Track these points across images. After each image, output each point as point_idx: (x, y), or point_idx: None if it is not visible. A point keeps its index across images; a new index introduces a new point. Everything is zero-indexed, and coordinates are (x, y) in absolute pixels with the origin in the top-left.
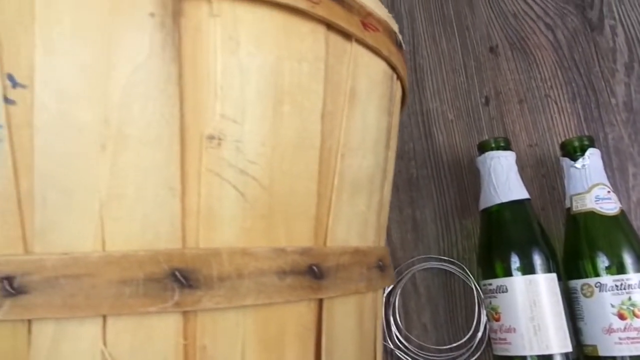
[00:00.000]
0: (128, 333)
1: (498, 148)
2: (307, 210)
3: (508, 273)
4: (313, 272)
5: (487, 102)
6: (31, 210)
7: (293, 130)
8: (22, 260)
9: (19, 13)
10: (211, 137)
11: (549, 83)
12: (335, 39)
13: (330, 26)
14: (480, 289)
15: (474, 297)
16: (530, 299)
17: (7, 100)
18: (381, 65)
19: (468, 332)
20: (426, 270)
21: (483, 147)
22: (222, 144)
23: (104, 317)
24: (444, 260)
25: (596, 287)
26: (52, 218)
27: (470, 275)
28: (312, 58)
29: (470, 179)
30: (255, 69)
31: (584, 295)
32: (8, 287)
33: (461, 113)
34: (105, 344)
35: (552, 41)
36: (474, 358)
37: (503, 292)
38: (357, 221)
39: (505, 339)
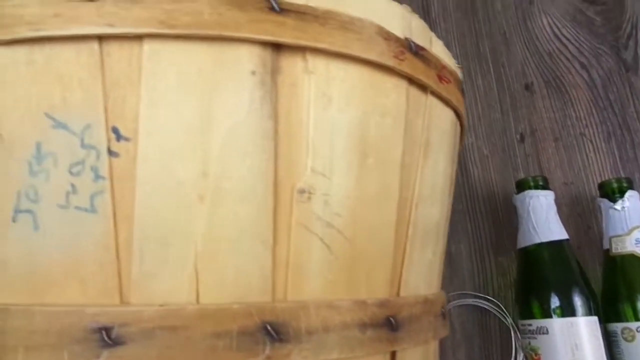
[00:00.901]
0: None
1: (537, 187)
2: (385, 261)
3: (548, 314)
4: (390, 324)
5: (522, 139)
6: (128, 261)
7: (375, 183)
8: (119, 311)
9: (128, 66)
10: (302, 191)
11: (584, 122)
12: (414, 93)
13: (411, 81)
14: (518, 328)
15: (510, 335)
16: (572, 342)
17: (110, 152)
18: (450, 114)
19: None
20: (461, 306)
21: (522, 185)
22: (311, 198)
23: None
24: (480, 297)
25: (638, 331)
26: (148, 269)
27: (507, 314)
28: (395, 112)
29: (505, 215)
30: (345, 124)
31: (625, 339)
32: (106, 338)
33: (496, 149)
34: None
35: (587, 80)
36: None
37: (543, 333)
38: (426, 269)
39: None
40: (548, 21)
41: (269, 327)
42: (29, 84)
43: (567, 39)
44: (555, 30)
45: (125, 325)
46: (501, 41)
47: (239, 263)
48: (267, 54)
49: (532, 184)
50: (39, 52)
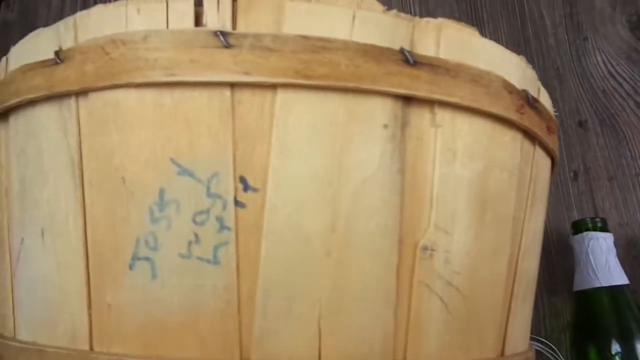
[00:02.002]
0: None
1: (596, 229)
2: (495, 319)
3: None
4: None
5: (575, 177)
6: (250, 315)
7: (491, 239)
8: None
9: (260, 114)
10: (425, 248)
11: (639, 162)
12: (526, 145)
13: (525, 133)
14: None
15: None
16: None
17: (237, 203)
18: (549, 163)
19: None
20: None
21: (580, 226)
22: (433, 255)
23: None
24: (532, 338)
25: None
26: (271, 326)
27: (560, 357)
28: (510, 166)
29: (558, 255)
30: (467, 179)
31: None
32: None
33: (549, 186)
34: None
35: None
36: None
37: None
38: (524, 325)
39: None
40: (602, 58)
41: None
42: (156, 128)
43: (622, 77)
44: (610, 67)
45: None
46: (554, 77)
47: (363, 322)
48: (398, 107)
49: (590, 225)
50: (169, 96)
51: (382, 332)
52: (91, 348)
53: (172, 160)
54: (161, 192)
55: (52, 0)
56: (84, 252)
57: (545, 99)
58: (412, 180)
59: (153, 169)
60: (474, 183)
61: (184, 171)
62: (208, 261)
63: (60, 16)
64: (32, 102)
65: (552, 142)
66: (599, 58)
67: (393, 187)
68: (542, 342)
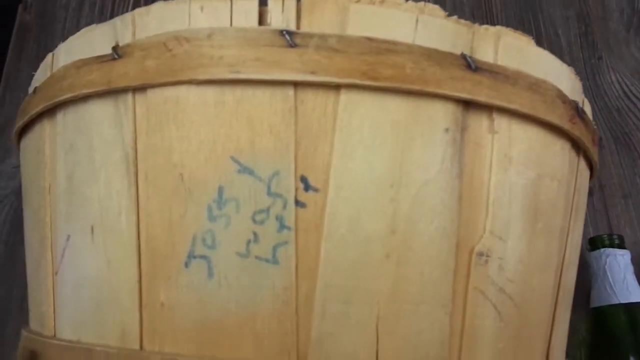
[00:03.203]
0: None
1: (613, 246)
2: (542, 329)
3: None
4: None
5: (590, 194)
6: (308, 318)
7: (542, 248)
8: None
9: (322, 115)
10: (480, 254)
11: None
12: (572, 156)
13: (573, 143)
14: None
15: None
16: None
17: (298, 202)
18: (589, 174)
19: None
20: None
21: (597, 243)
22: (488, 262)
23: None
24: None
25: None
26: (329, 328)
27: None
28: (560, 175)
29: None
30: (521, 187)
31: None
32: None
33: None
34: None
35: None
36: None
37: None
38: (564, 336)
39: None
40: (617, 78)
41: None
42: (217, 125)
43: (636, 97)
44: (625, 87)
45: None
46: None
47: (420, 327)
48: (458, 111)
49: (608, 242)
50: (230, 94)
51: (439, 338)
52: (141, 347)
53: (233, 158)
54: (220, 190)
55: (70, 2)
56: (136, 250)
57: (589, 112)
58: (470, 185)
59: (213, 166)
60: (528, 191)
61: (245, 169)
62: (267, 261)
63: (77, 19)
64: (84, 98)
65: (595, 153)
66: (613, 77)
67: (452, 192)
68: None
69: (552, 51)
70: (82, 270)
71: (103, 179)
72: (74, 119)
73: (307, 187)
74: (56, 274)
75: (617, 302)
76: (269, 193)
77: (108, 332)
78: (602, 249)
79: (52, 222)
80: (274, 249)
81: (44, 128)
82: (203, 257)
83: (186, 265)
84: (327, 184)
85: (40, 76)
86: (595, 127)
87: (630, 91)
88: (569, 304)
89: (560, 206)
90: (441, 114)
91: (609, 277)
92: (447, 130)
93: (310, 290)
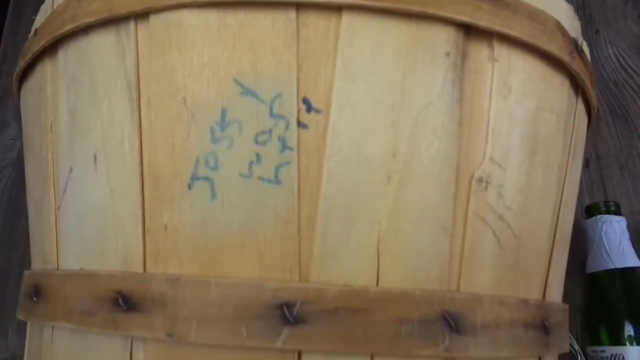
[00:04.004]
0: None
1: (609, 212)
2: (540, 262)
3: (622, 342)
4: (544, 328)
5: (587, 165)
6: (310, 237)
7: (540, 181)
8: (302, 288)
9: (324, 37)
10: (480, 180)
11: None
12: (571, 94)
13: (572, 80)
14: (586, 355)
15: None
16: None
17: (300, 124)
18: (587, 120)
19: None
20: None
21: (593, 210)
22: (488, 188)
23: (371, 357)
24: None
25: None
26: (330, 247)
27: (572, 339)
28: (558, 110)
29: (570, 240)
30: (520, 116)
31: None
32: (287, 315)
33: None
34: None
35: None
36: None
37: None
38: (561, 278)
39: None
40: (614, 51)
41: (448, 317)
42: (220, 48)
43: (633, 70)
44: (621, 60)
45: (308, 303)
46: None
47: (420, 248)
48: (459, 37)
49: (604, 209)
50: (233, 17)
51: (439, 260)
52: (145, 270)
53: (235, 81)
54: (223, 112)
55: None
56: (139, 175)
57: (587, 55)
58: (470, 111)
59: (215, 89)
60: (527, 121)
61: (247, 91)
62: (269, 181)
63: None
64: (85, 30)
65: (594, 96)
66: (610, 51)
67: (453, 116)
68: None
69: None
70: (85, 200)
71: (106, 108)
72: (76, 52)
73: (309, 109)
74: (59, 208)
75: (612, 267)
76: (272, 115)
77: (111, 258)
78: (599, 216)
79: (54, 158)
80: (276, 169)
81: (45, 67)
82: (206, 178)
83: (189, 187)
84: (329, 105)
85: (40, 18)
86: (592, 69)
87: (627, 64)
88: (566, 246)
89: (558, 141)
90: (442, 37)
91: (605, 243)
92: (447, 54)
93: (312, 210)
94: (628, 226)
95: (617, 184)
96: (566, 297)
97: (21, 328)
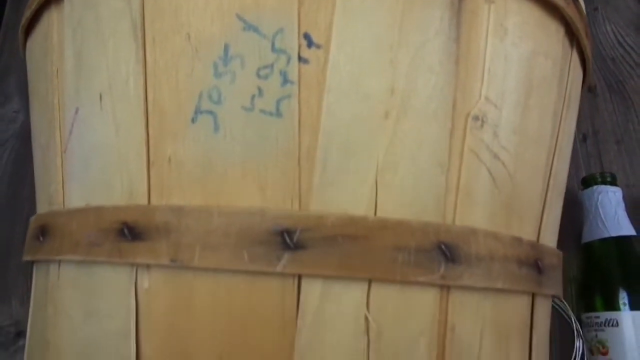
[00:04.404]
0: (390, 302)
1: (605, 183)
2: (534, 205)
3: (617, 307)
4: (537, 267)
5: (584, 139)
6: (310, 168)
7: (534, 124)
8: (302, 215)
9: None
10: (476, 118)
11: None
12: (566, 43)
13: (567, 29)
14: (581, 322)
15: (570, 328)
16: None
17: (301, 58)
18: (581, 75)
19: None
20: None
21: (589, 181)
22: (483, 126)
23: (369, 283)
24: None
25: None
26: (330, 178)
27: (568, 307)
28: (554, 56)
29: (566, 212)
30: (516, 59)
31: None
32: (288, 241)
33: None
34: (368, 309)
35: None
36: None
37: (613, 326)
38: (555, 226)
39: None
40: (612, 28)
41: (443, 247)
42: None
43: (631, 47)
44: (619, 37)
45: (307, 230)
46: None
47: (416, 181)
48: None
49: (600, 179)
50: None
51: (435, 193)
52: (149, 203)
53: (238, 16)
54: (226, 47)
55: None
56: (144, 112)
57: (583, 7)
58: (467, 50)
59: (219, 24)
60: (523, 64)
61: (250, 27)
62: (270, 114)
63: None
64: None
65: (589, 48)
66: (608, 28)
67: (450, 54)
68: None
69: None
70: (90, 140)
71: (111, 48)
72: None
73: (310, 44)
74: (65, 151)
75: (608, 235)
76: (273, 49)
77: (116, 194)
78: (595, 187)
79: (60, 102)
80: (278, 102)
81: (51, 14)
82: (209, 112)
83: (192, 121)
84: (329, 41)
85: None
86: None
87: (625, 41)
88: (560, 195)
89: (553, 87)
90: None
91: (601, 212)
92: None
93: (312, 142)
94: (624, 198)
95: (614, 158)
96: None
97: (25, 297)
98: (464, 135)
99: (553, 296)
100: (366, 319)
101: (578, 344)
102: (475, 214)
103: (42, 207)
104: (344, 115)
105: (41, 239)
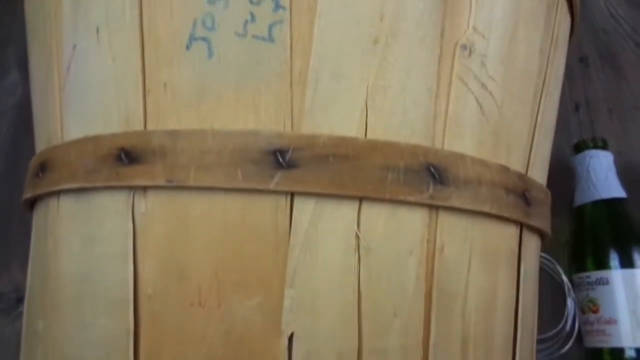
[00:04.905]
0: (380, 220)
1: (597, 147)
2: (521, 138)
3: (608, 266)
4: (525, 198)
5: (577, 109)
6: (302, 91)
7: (521, 57)
8: (294, 135)
9: None
10: (464, 47)
11: (637, 96)
12: None
13: None
14: (573, 283)
15: (562, 290)
16: (633, 292)
17: None
18: (569, 23)
19: (555, 326)
20: None
21: (581, 146)
22: (471, 55)
23: (360, 202)
24: None
25: None
26: (321, 101)
27: (560, 268)
28: None
29: (558, 177)
30: None
31: None
32: (280, 160)
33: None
34: (359, 228)
35: None
36: (562, 351)
37: (603, 284)
38: (544, 165)
39: (603, 331)
40: (604, 1)
41: (432, 169)
42: None
43: (623, 18)
44: (611, 9)
45: (299, 150)
46: None
47: (405, 106)
48: None
49: (591, 144)
50: None
51: (424, 117)
52: (145, 129)
53: None
54: None
55: None
56: (139, 42)
57: None
58: None
59: None
60: None
61: None
62: (263, 39)
63: None
64: None
65: None
66: (600, 0)
67: None
68: (541, 256)
69: None
70: (88, 73)
71: None
72: None
73: None
74: (63, 89)
75: (599, 198)
76: None
77: (114, 123)
78: (586, 151)
79: (58, 43)
80: (270, 27)
81: None
82: (203, 38)
83: (187, 47)
84: None
85: None
86: None
87: (617, 13)
88: (549, 134)
89: (540, 23)
90: None
91: (592, 176)
92: None
93: (304, 66)
94: (615, 165)
95: (606, 126)
96: (554, 233)
97: (24, 263)
98: (452, 63)
99: (540, 233)
100: (357, 237)
101: (569, 304)
102: (464, 140)
103: (40, 148)
104: (335, 39)
105: (40, 174)
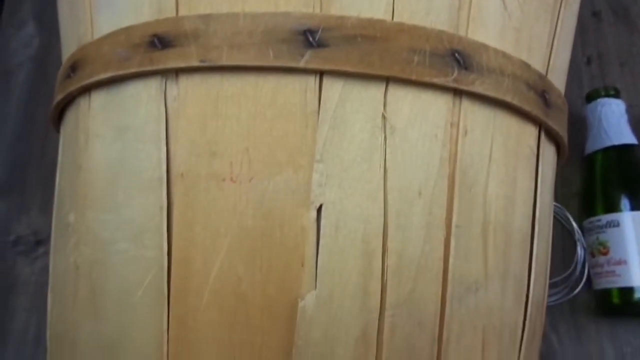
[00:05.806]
0: (406, 102)
1: (609, 96)
2: (541, 43)
3: (619, 209)
4: (544, 98)
5: (589, 62)
6: None
7: None
8: (324, 16)
9: None
10: None
11: None
12: None
13: None
14: (584, 228)
15: (572, 238)
16: None
17: None
18: None
19: (564, 271)
20: None
21: (593, 95)
22: None
23: (387, 84)
24: None
25: None
26: None
27: (570, 216)
28: None
29: (571, 130)
30: None
31: None
32: (310, 39)
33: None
34: (385, 109)
35: None
36: (571, 295)
37: (614, 226)
38: (561, 76)
39: (614, 272)
40: None
41: (457, 55)
42: None
43: None
44: None
45: (329, 30)
46: None
47: None
48: None
49: (603, 93)
50: None
51: (449, 5)
52: (177, 15)
53: None
54: None
55: None
56: None
57: None
58: None
59: None
60: None
61: None
62: None
63: None
64: None
65: None
66: None
67: None
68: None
69: None
70: None
71: None
72: None
73: None
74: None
75: (610, 144)
76: None
77: (145, 13)
78: (598, 100)
79: None
80: None
81: None
82: None
83: None
84: None
85: None
86: None
87: None
88: (566, 48)
89: None
90: None
91: (604, 123)
92: None
93: None
94: (629, 119)
95: (618, 78)
96: (565, 183)
97: (44, 206)
98: None
99: (557, 143)
100: (383, 117)
101: (579, 251)
102: (487, 32)
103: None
104: None
105: (72, 75)
